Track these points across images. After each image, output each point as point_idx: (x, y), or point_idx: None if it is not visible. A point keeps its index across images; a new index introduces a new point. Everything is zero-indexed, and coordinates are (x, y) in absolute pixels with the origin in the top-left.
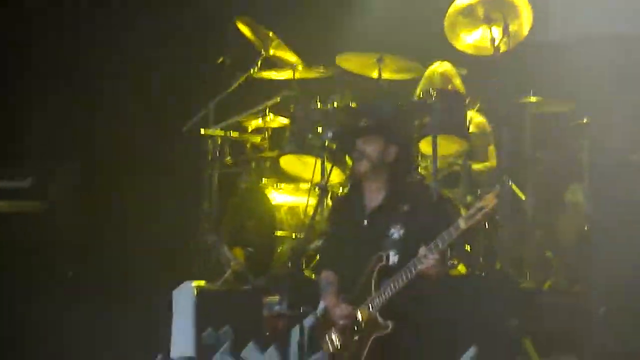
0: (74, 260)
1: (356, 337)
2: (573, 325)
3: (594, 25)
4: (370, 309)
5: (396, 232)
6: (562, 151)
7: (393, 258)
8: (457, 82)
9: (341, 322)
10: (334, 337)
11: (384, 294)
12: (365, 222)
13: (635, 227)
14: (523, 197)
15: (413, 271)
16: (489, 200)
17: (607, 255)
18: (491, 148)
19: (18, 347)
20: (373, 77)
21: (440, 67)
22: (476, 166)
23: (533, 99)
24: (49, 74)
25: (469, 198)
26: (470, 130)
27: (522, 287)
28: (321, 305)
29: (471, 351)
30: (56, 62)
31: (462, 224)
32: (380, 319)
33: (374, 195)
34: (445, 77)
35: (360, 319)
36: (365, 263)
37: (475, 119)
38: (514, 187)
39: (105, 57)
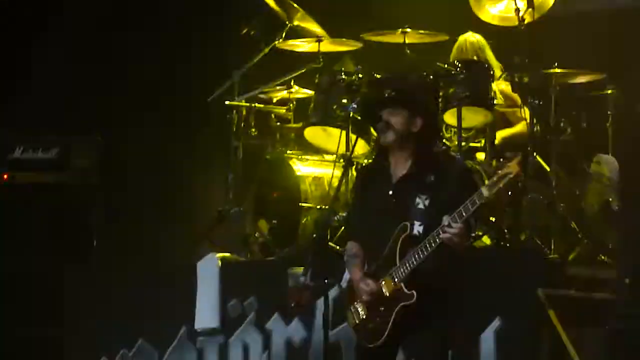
0: (100, 230)
1: (381, 308)
2: (598, 296)
3: None
4: (395, 279)
5: (421, 202)
6: (587, 121)
7: (418, 228)
8: (489, 53)
9: (364, 295)
10: (359, 308)
11: (408, 264)
12: (391, 192)
13: None
14: (548, 168)
15: (437, 240)
16: (512, 167)
17: (633, 226)
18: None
19: (44, 315)
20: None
21: (472, 36)
22: (501, 133)
23: (558, 69)
24: (72, 47)
25: (494, 163)
26: (497, 101)
27: (547, 258)
28: (346, 276)
29: (496, 322)
30: (79, 35)
31: (485, 191)
32: (405, 289)
33: (400, 166)
34: (475, 47)
35: (385, 290)
36: (390, 233)
37: (504, 88)
38: (538, 157)
39: (130, 28)
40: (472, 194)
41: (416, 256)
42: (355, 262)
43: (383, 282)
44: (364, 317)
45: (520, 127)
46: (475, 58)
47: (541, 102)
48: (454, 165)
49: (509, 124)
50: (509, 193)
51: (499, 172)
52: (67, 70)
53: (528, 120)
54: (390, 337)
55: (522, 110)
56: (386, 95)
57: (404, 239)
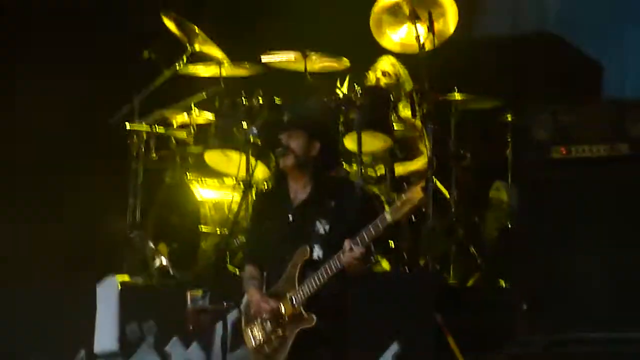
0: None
1: (279, 332)
2: (496, 321)
3: (521, 24)
4: (294, 302)
5: (322, 227)
6: (486, 148)
7: (318, 252)
8: (401, 73)
9: (263, 315)
10: (255, 331)
11: (308, 287)
12: (291, 217)
13: (557, 225)
14: (447, 194)
15: (338, 264)
16: (416, 193)
17: (530, 251)
18: (421, 146)
19: None
20: (299, 70)
21: (384, 61)
22: (400, 168)
23: (458, 95)
24: None
25: (394, 195)
26: (397, 127)
27: (445, 283)
28: (245, 300)
29: (394, 346)
30: None
31: (388, 217)
32: (304, 313)
33: (300, 191)
34: (396, 70)
35: (284, 313)
36: (289, 257)
37: (405, 114)
38: (438, 183)
39: (26, 51)
40: (371, 219)
41: (316, 280)
42: (253, 283)
43: (282, 305)
44: (261, 340)
45: (420, 164)
46: (394, 79)
47: (439, 128)
48: (353, 191)
49: (415, 153)
50: (413, 218)
51: (403, 196)
52: None
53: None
54: None
55: (423, 137)
56: (285, 118)
57: (304, 262)
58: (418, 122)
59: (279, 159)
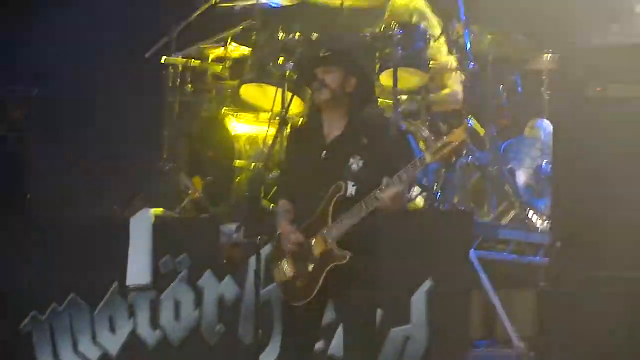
0: (35, 186)
1: (310, 267)
2: (529, 259)
3: None
4: (327, 239)
5: (355, 164)
6: (523, 86)
7: (351, 189)
8: (428, 13)
9: (291, 247)
10: (286, 266)
11: (342, 224)
12: (324, 152)
13: (593, 161)
14: (482, 132)
15: (375, 202)
16: (458, 135)
17: (566, 189)
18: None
19: None
20: (337, 4)
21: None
22: (435, 95)
23: (496, 34)
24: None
25: (427, 131)
26: (432, 64)
27: (479, 220)
28: (277, 234)
29: (427, 284)
30: None
31: (428, 157)
32: (337, 250)
33: (334, 126)
34: (410, 10)
35: (315, 249)
36: (323, 193)
37: (440, 52)
38: (474, 120)
39: None
40: (407, 155)
41: (350, 216)
42: (285, 217)
43: (314, 241)
44: (292, 275)
45: (443, 94)
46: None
47: (475, 65)
48: (389, 128)
49: (436, 88)
50: (452, 158)
51: (445, 138)
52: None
53: (456, 88)
54: (319, 297)
55: (455, 74)
56: (322, 54)
57: (338, 199)
58: (446, 59)
59: (314, 93)
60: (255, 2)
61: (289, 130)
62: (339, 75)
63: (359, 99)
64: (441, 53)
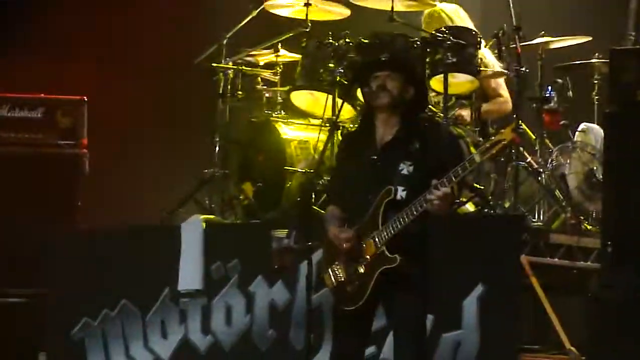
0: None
1: (361, 271)
2: (581, 264)
3: None
4: (377, 242)
5: (405, 168)
6: (573, 90)
7: (401, 193)
8: (465, 21)
9: (343, 244)
10: (337, 271)
11: (392, 227)
12: (375, 157)
13: None
14: (533, 136)
15: (423, 204)
16: (506, 134)
17: (616, 195)
18: (501, 82)
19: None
20: (386, 10)
21: (441, 8)
22: (486, 105)
23: (545, 37)
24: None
25: (478, 136)
26: (481, 69)
27: (530, 225)
28: (326, 239)
29: (478, 288)
30: None
31: (477, 157)
32: (387, 253)
33: (386, 131)
34: (443, 19)
35: (365, 252)
36: (373, 198)
37: (485, 58)
38: (523, 125)
39: None
40: (457, 159)
41: (400, 220)
42: (334, 222)
43: (364, 245)
44: (343, 279)
45: (494, 104)
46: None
47: (527, 70)
48: (439, 132)
49: (485, 97)
50: (500, 157)
51: (493, 138)
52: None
53: (506, 95)
54: (369, 301)
55: (503, 80)
56: (383, 58)
57: (387, 203)
58: (495, 64)
59: (373, 96)
60: (305, 8)
61: (340, 135)
62: (400, 83)
63: (414, 107)
64: (490, 58)
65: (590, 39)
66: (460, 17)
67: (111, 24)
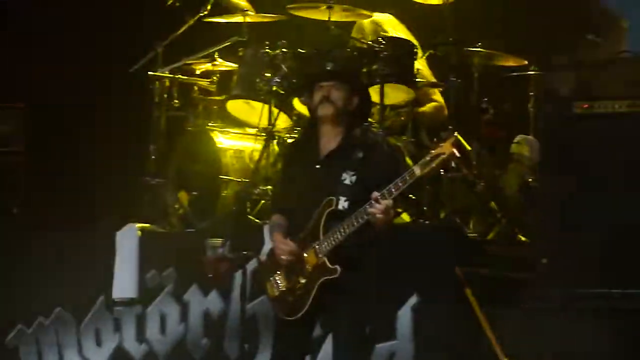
0: (20, 198)
1: (302, 281)
2: (515, 276)
3: None
4: (318, 253)
5: (348, 178)
6: (509, 102)
7: (343, 203)
8: (401, 32)
9: (285, 257)
10: (278, 280)
11: (333, 238)
12: (318, 166)
13: (578, 179)
14: (469, 148)
15: (365, 216)
16: (445, 148)
17: (550, 206)
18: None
19: None
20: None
21: (374, 19)
22: (421, 109)
23: (481, 50)
24: None
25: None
26: (418, 79)
27: (465, 236)
28: (264, 249)
29: (413, 299)
30: None
31: (417, 170)
32: (328, 264)
33: (330, 141)
34: (375, 29)
35: (307, 262)
36: (315, 207)
37: (421, 67)
38: (459, 136)
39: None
40: (397, 171)
41: (342, 231)
42: (277, 230)
43: (306, 255)
44: (284, 289)
45: (428, 107)
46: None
47: (460, 81)
48: (379, 143)
49: (419, 104)
50: (440, 171)
51: (432, 151)
52: None
53: (442, 101)
54: (310, 311)
55: (438, 90)
56: (329, 68)
57: (329, 213)
58: (431, 75)
59: (317, 107)
60: (242, 17)
61: (275, 145)
62: (345, 93)
63: (357, 116)
64: (426, 68)
65: (525, 62)
66: (396, 28)
67: (47, 28)
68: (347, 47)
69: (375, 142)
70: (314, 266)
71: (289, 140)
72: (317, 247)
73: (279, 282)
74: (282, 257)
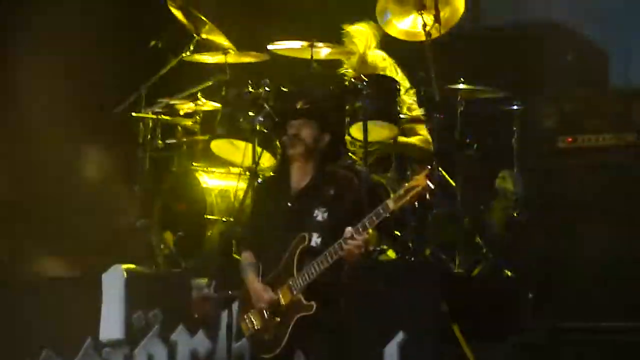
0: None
1: (278, 319)
2: (501, 311)
3: (527, 12)
4: (292, 290)
5: (320, 215)
6: (492, 137)
7: (316, 240)
8: (392, 68)
9: (260, 304)
10: (253, 319)
11: (308, 274)
12: (290, 204)
13: (563, 213)
14: (453, 183)
15: (339, 252)
16: (420, 181)
17: (535, 240)
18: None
19: None
20: (305, 58)
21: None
22: (405, 139)
23: (464, 85)
24: None
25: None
26: (402, 116)
27: (451, 272)
28: (243, 287)
29: (399, 335)
30: None
31: (391, 204)
32: (303, 300)
33: (301, 178)
34: (376, 64)
35: (281, 301)
36: (287, 244)
37: (412, 103)
38: (443, 172)
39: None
40: (373, 207)
41: (316, 267)
42: (251, 269)
43: (280, 293)
44: (259, 327)
45: (415, 139)
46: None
47: (443, 117)
48: (355, 179)
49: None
50: (416, 205)
51: (406, 184)
52: None
53: (428, 136)
54: (286, 349)
55: (423, 125)
56: (298, 107)
57: (302, 250)
58: (418, 112)
59: (287, 146)
60: (224, 57)
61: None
62: (314, 131)
63: (329, 154)
64: (410, 105)
65: (509, 95)
66: (384, 64)
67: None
68: (329, 85)
69: (349, 179)
70: (288, 303)
71: (262, 179)
72: (291, 283)
73: (253, 320)
74: (261, 304)
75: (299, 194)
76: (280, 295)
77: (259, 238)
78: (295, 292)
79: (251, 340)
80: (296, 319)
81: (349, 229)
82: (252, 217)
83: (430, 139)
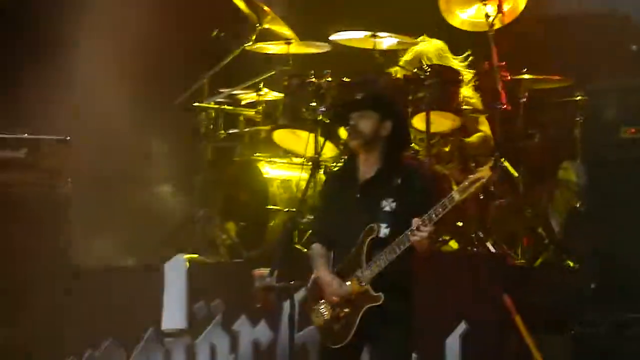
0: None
1: (346, 310)
2: (564, 302)
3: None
4: (361, 281)
5: (388, 205)
6: (555, 128)
7: (384, 230)
8: (451, 58)
9: (330, 295)
10: (322, 309)
11: (375, 265)
12: (358, 194)
13: (626, 205)
14: (515, 174)
15: (406, 243)
16: (484, 172)
17: (598, 232)
18: (481, 119)
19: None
20: (368, 48)
21: (431, 45)
22: (468, 139)
23: (527, 75)
24: (29, 44)
25: (462, 174)
26: (463, 106)
27: (513, 263)
28: (312, 278)
29: (461, 326)
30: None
31: (456, 196)
32: (371, 291)
33: (368, 169)
34: (438, 54)
35: (351, 291)
36: (356, 235)
37: (468, 95)
38: (506, 163)
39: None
40: (438, 198)
41: (384, 258)
42: (320, 262)
43: (349, 284)
44: (328, 318)
45: (475, 138)
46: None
47: (508, 107)
48: (421, 170)
49: (466, 131)
50: (480, 197)
51: (471, 176)
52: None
53: (489, 131)
54: (355, 339)
55: (484, 118)
56: (356, 98)
57: (371, 241)
58: (478, 102)
59: (347, 138)
60: (286, 47)
61: (322, 174)
62: (373, 120)
63: (393, 142)
64: (472, 96)
65: (570, 83)
66: (444, 55)
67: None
68: (391, 75)
69: (415, 169)
70: (357, 294)
71: (330, 171)
72: (360, 275)
73: (323, 311)
74: (332, 297)
75: (366, 184)
76: (350, 286)
77: (329, 229)
78: (363, 283)
79: (321, 329)
80: (364, 310)
81: (416, 220)
82: (321, 209)
83: (491, 135)
